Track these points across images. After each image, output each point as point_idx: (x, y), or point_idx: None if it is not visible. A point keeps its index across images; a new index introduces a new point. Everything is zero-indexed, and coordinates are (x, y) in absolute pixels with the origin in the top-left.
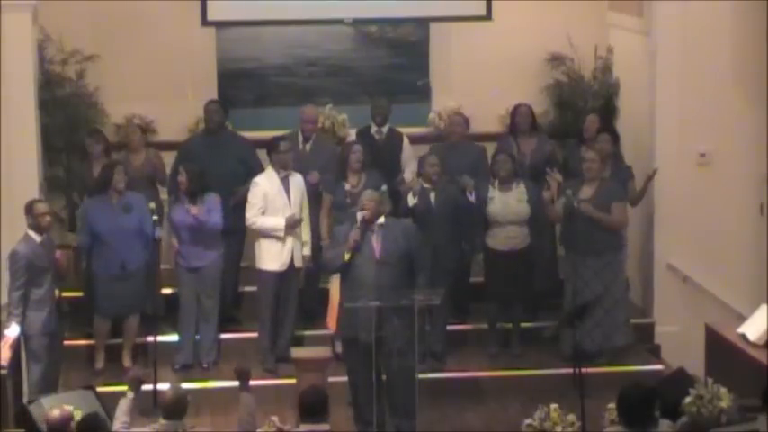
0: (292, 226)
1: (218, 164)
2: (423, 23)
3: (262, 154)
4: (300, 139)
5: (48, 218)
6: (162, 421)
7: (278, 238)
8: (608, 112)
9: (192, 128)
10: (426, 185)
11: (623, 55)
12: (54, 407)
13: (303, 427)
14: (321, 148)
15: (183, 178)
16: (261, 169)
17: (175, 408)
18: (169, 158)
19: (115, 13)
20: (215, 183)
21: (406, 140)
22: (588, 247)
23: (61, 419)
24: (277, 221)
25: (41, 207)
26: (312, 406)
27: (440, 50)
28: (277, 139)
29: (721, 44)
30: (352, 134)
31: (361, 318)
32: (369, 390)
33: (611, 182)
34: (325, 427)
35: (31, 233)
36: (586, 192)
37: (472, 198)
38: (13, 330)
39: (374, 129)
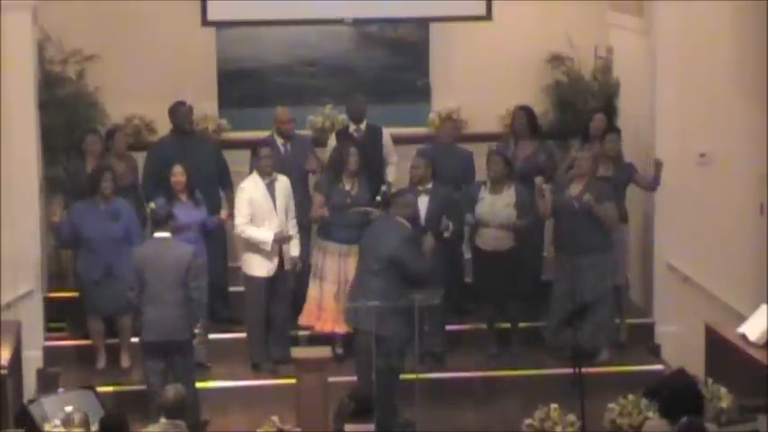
0: (280, 241)
1: (191, 165)
2: (423, 23)
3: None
4: (279, 141)
5: None
6: (163, 421)
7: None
8: (608, 112)
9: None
10: (420, 188)
11: (623, 55)
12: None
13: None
14: (301, 148)
15: (181, 177)
16: (228, 170)
17: (176, 407)
18: None
19: (115, 13)
20: (190, 183)
21: (385, 133)
22: (577, 247)
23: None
24: (266, 236)
25: None
26: None
27: (440, 50)
28: (258, 144)
29: (721, 44)
30: (332, 137)
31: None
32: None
33: (600, 181)
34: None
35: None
36: (574, 189)
37: (447, 234)
38: None
39: (352, 127)
